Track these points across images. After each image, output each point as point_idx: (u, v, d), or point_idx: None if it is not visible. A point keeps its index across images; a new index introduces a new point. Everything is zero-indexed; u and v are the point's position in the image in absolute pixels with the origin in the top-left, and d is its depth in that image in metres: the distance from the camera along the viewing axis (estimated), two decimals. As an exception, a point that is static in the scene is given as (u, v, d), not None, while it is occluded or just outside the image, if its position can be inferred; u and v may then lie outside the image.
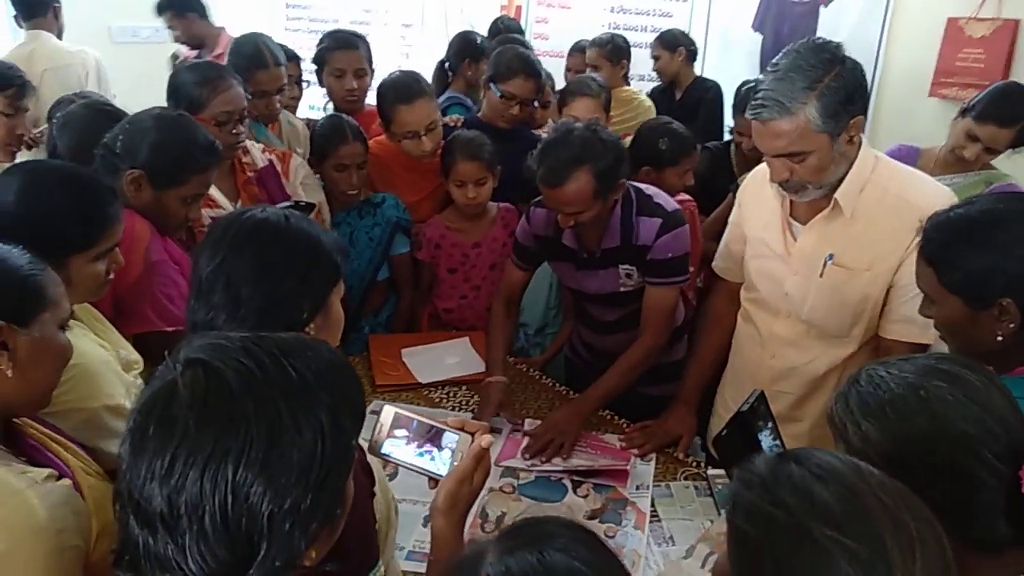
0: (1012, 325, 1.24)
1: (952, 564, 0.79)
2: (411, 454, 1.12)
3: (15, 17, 3.69)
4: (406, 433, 1.13)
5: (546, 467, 1.89)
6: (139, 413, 0.76)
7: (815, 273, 1.73)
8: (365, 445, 1.18)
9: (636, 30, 4.39)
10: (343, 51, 2.75)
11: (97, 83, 3.48)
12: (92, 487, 1.14)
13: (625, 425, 2.11)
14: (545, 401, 2.21)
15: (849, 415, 1.02)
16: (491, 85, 2.62)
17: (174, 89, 2.03)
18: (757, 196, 1.89)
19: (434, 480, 1.12)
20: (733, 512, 0.85)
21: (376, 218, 2.45)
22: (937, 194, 1.64)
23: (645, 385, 2.25)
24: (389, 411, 1.14)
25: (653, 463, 1.94)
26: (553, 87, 3.10)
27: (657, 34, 4.00)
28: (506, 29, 3.74)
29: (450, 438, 1.12)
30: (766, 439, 1.38)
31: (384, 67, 2.87)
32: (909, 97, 3.74)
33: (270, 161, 2.22)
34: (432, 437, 1.13)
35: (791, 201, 1.77)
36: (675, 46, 3.82)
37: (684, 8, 4.45)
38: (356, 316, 2.50)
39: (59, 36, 3.68)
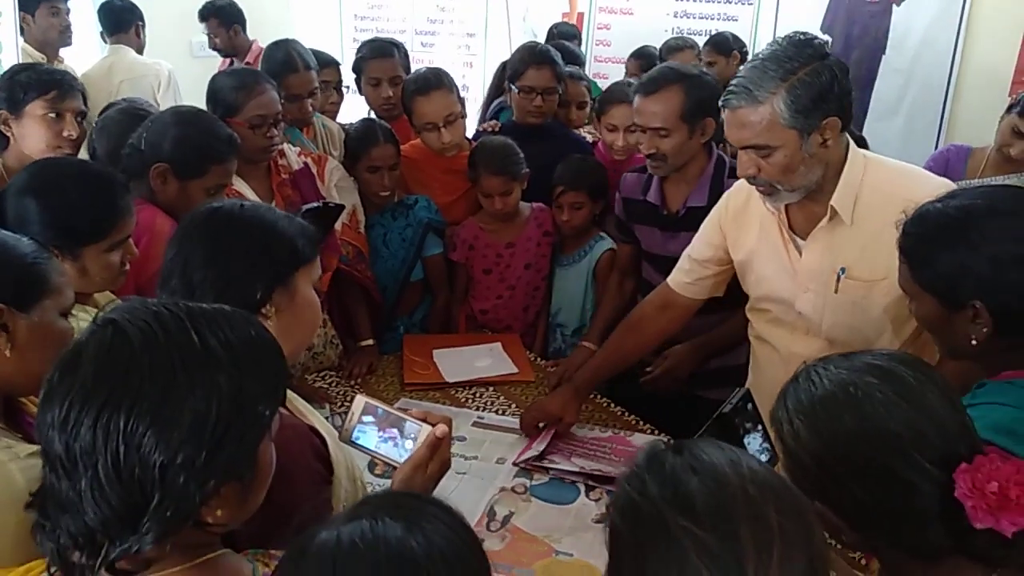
0: (985, 329, 1.16)
1: (821, 565, 0.75)
2: (375, 441, 1.14)
3: (101, 33, 3.96)
4: (373, 420, 1.15)
5: (563, 467, 1.87)
6: (54, 366, 0.82)
7: (828, 289, 1.64)
8: (336, 434, 1.22)
9: (700, 34, 4.30)
10: (378, 60, 2.82)
11: (168, 92, 3.68)
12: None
13: (649, 429, 2.07)
14: (584, 413, 2.09)
15: (784, 413, 0.98)
16: (511, 87, 2.65)
17: (212, 93, 2.13)
18: (743, 213, 1.80)
19: (393, 467, 1.13)
20: (611, 507, 0.83)
21: (409, 219, 2.48)
22: (942, 189, 1.54)
23: (704, 388, 2.21)
24: (360, 401, 1.16)
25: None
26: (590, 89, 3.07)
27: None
28: (559, 35, 3.74)
29: (413, 428, 1.14)
30: (753, 442, 1.32)
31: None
32: (988, 98, 3.53)
33: (305, 164, 2.28)
34: (396, 426, 1.14)
35: (788, 214, 1.69)
36: (729, 50, 3.75)
37: (749, 11, 4.34)
38: (391, 316, 2.54)
39: (140, 52, 3.91)
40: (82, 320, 1.39)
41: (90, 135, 2.09)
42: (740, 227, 1.82)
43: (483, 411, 2.15)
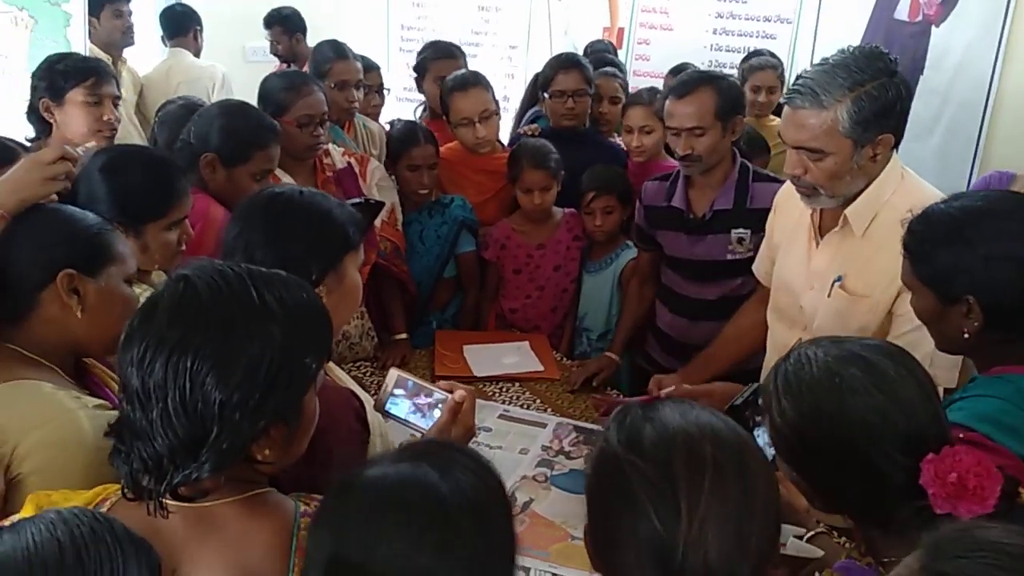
0: (976, 324, 1.22)
1: (759, 499, 0.83)
2: (405, 411, 1.25)
3: (162, 37, 4.17)
4: (404, 392, 1.25)
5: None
6: (135, 313, 0.94)
7: (825, 292, 1.70)
8: (374, 401, 1.32)
9: (739, 51, 4.37)
10: (444, 60, 2.98)
11: (222, 93, 3.84)
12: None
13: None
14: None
15: (775, 390, 1.06)
16: (544, 96, 2.79)
17: (263, 93, 2.26)
18: (791, 203, 1.86)
19: (421, 434, 1.23)
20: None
21: (444, 217, 2.60)
22: None
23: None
24: (393, 373, 1.27)
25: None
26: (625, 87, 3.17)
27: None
28: (594, 52, 3.87)
29: (440, 398, 1.24)
30: (763, 435, 1.38)
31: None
32: (1024, 121, 3.55)
33: (349, 163, 2.41)
34: (424, 396, 1.24)
35: (821, 211, 1.74)
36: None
37: (788, 29, 4.40)
38: (424, 310, 2.65)
39: (197, 55, 4.10)
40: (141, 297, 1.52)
41: (152, 128, 2.23)
42: (786, 210, 1.90)
43: (509, 405, 2.24)
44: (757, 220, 2.15)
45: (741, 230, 2.21)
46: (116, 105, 2.24)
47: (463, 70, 2.72)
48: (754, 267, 2.09)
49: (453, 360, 2.43)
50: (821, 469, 1.02)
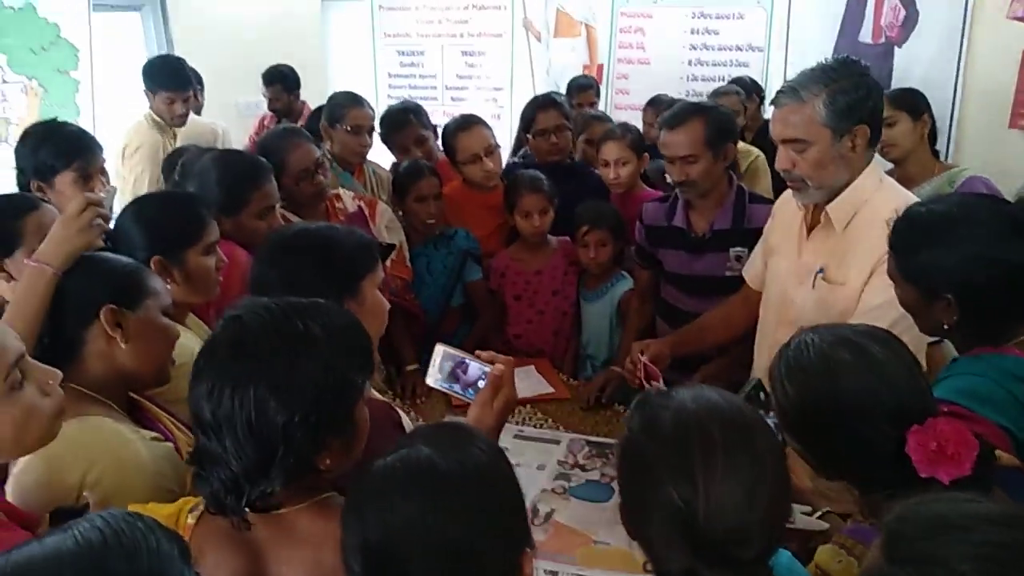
0: (955, 317, 1.36)
1: (768, 467, 0.94)
2: (451, 383, 1.34)
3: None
4: (451, 365, 1.34)
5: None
6: (199, 353, 1.05)
7: (809, 284, 1.85)
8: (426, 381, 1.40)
9: (714, 80, 4.56)
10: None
11: (223, 147, 3.98)
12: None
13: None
14: (615, 425, 2.30)
15: (778, 374, 1.19)
16: (528, 137, 2.99)
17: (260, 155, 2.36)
18: (787, 209, 2.02)
19: (466, 405, 1.32)
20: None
21: (450, 248, 2.74)
22: None
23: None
24: (439, 349, 1.36)
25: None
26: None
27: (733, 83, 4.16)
28: (576, 86, 4.08)
29: (478, 368, 1.32)
30: (769, 423, 1.49)
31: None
32: (989, 131, 3.72)
33: (359, 207, 2.55)
34: (465, 369, 1.33)
35: (812, 212, 1.88)
36: (750, 92, 4.01)
37: (759, 58, 4.60)
38: (432, 340, 2.75)
39: (198, 112, 4.24)
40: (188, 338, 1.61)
41: (172, 177, 2.36)
42: (782, 216, 2.04)
43: (522, 426, 2.34)
44: (754, 239, 2.27)
45: (739, 248, 2.33)
46: (104, 173, 2.23)
47: (462, 114, 2.91)
48: (744, 269, 2.23)
49: (465, 388, 2.52)
50: (821, 442, 1.15)
